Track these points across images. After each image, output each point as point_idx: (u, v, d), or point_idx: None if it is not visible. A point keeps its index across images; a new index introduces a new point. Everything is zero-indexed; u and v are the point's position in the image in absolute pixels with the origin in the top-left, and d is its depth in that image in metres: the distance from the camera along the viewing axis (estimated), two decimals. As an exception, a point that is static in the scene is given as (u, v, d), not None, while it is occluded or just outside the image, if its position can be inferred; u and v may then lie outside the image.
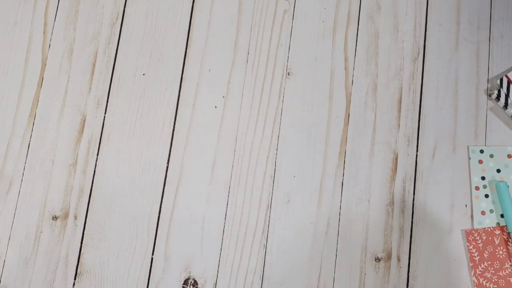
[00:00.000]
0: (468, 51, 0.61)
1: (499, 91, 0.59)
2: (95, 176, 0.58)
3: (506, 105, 0.59)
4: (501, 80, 0.59)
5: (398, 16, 0.62)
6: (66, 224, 0.57)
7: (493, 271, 0.55)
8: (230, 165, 0.58)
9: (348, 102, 0.60)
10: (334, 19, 0.62)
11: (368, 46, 0.61)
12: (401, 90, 0.60)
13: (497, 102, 0.59)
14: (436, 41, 0.61)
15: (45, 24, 0.62)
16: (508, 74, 0.59)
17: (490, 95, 0.60)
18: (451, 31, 0.62)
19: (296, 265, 0.56)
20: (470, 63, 0.61)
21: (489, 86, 0.60)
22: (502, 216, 0.57)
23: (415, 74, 0.61)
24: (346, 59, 0.61)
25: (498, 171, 0.58)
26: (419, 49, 0.61)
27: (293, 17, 0.62)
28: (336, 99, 0.60)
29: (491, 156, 0.58)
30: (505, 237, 0.56)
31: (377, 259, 0.56)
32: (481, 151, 0.58)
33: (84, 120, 0.60)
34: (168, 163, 0.58)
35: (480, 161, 0.58)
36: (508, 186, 0.56)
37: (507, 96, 0.59)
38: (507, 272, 0.55)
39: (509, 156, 0.58)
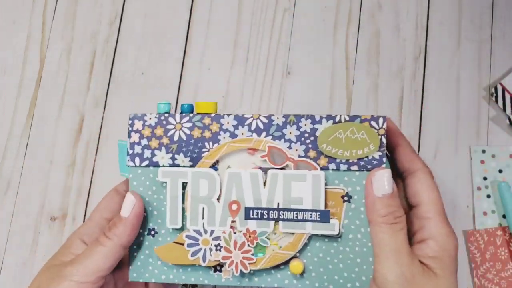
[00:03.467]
0: (470, 50, 0.61)
1: (496, 98, 0.59)
2: (93, 177, 0.58)
3: (504, 110, 0.58)
4: (496, 88, 0.59)
5: (400, 15, 0.62)
6: (65, 225, 0.57)
7: (495, 272, 0.55)
8: (230, 166, 0.58)
9: (349, 102, 0.59)
10: (335, 18, 0.62)
11: (369, 45, 0.61)
12: (403, 89, 0.60)
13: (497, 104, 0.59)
14: (437, 40, 0.61)
15: (43, 23, 0.62)
16: (503, 81, 0.59)
17: (492, 95, 0.59)
18: (453, 30, 0.61)
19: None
20: (472, 62, 0.61)
21: (491, 85, 0.60)
22: (504, 217, 0.56)
23: (417, 73, 0.60)
24: (347, 58, 0.60)
25: (500, 171, 0.57)
26: (420, 48, 0.61)
27: (293, 16, 0.62)
28: (336, 99, 0.59)
29: (493, 156, 0.58)
30: (507, 238, 0.56)
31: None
32: (483, 151, 0.58)
33: (83, 120, 0.59)
34: (167, 163, 0.58)
35: (482, 162, 0.58)
36: (510, 187, 0.56)
37: (504, 104, 0.58)
38: (509, 273, 0.55)
39: (511, 156, 0.58)
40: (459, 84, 0.60)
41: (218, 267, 0.39)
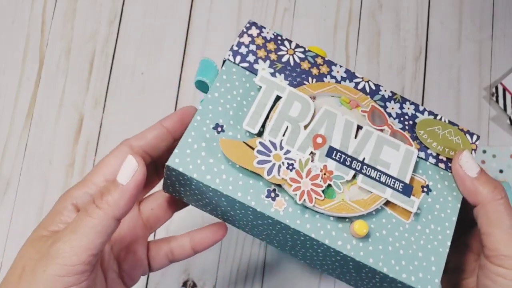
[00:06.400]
0: (471, 50, 0.61)
1: (496, 98, 0.58)
2: (93, 177, 0.58)
3: (505, 110, 0.58)
4: (496, 88, 0.59)
5: (400, 15, 0.61)
6: (64, 225, 0.57)
7: (495, 273, 0.55)
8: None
9: (349, 102, 0.59)
10: (335, 17, 0.61)
11: (370, 45, 0.61)
12: (403, 89, 0.60)
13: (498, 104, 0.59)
14: (438, 40, 0.61)
15: (43, 22, 0.62)
16: (503, 81, 0.59)
17: (492, 95, 0.59)
18: (453, 30, 0.61)
19: (296, 267, 0.55)
20: (472, 62, 0.60)
21: (491, 85, 0.60)
22: (505, 217, 0.56)
23: (417, 73, 0.60)
24: (347, 58, 0.60)
25: (501, 171, 0.57)
26: (421, 47, 0.61)
27: (293, 16, 0.62)
28: (337, 99, 0.59)
29: (494, 156, 0.58)
30: (508, 238, 0.56)
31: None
32: (484, 151, 0.58)
33: (82, 120, 0.59)
34: (167, 163, 0.58)
35: (483, 162, 0.57)
36: (511, 187, 0.56)
37: (504, 104, 0.58)
38: (510, 273, 0.55)
39: (511, 156, 0.58)
40: (459, 84, 0.60)
41: (273, 194, 0.33)
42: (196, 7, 0.62)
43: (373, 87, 0.38)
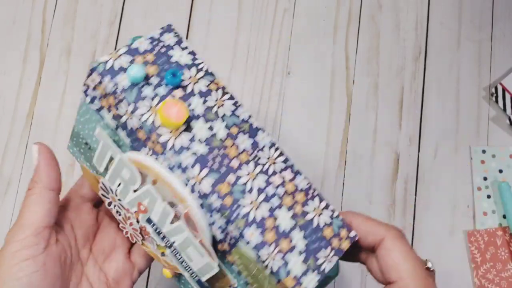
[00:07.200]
0: (470, 51, 0.61)
1: (496, 98, 0.59)
2: (93, 177, 0.58)
3: (504, 111, 0.58)
4: (496, 88, 0.59)
5: (400, 15, 0.62)
6: (65, 224, 0.57)
7: (495, 273, 0.55)
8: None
9: (349, 102, 0.59)
10: (335, 18, 0.61)
11: (369, 45, 0.61)
12: (403, 89, 0.60)
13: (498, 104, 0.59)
14: (437, 40, 0.61)
15: (44, 22, 0.62)
16: (503, 81, 0.59)
17: (492, 95, 0.59)
18: (453, 30, 0.61)
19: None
20: (472, 63, 0.61)
21: (491, 85, 0.60)
22: (504, 217, 0.56)
23: (417, 74, 0.60)
24: (347, 58, 0.60)
25: (500, 171, 0.57)
26: (420, 48, 0.61)
27: (293, 16, 0.62)
28: (337, 99, 0.59)
29: (493, 156, 0.58)
30: (507, 238, 0.56)
31: (378, 260, 0.56)
32: (483, 151, 0.58)
33: (83, 120, 0.59)
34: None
35: (482, 162, 0.58)
36: (510, 187, 0.56)
37: (504, 104, 0.58)
38: (509, 273, 0.55)
39: (511, 156, 0.58)
40: (459, 84, 0.60)
41: None
42: (196, 7, 0.62)
43: (206, 190, 0.32)
